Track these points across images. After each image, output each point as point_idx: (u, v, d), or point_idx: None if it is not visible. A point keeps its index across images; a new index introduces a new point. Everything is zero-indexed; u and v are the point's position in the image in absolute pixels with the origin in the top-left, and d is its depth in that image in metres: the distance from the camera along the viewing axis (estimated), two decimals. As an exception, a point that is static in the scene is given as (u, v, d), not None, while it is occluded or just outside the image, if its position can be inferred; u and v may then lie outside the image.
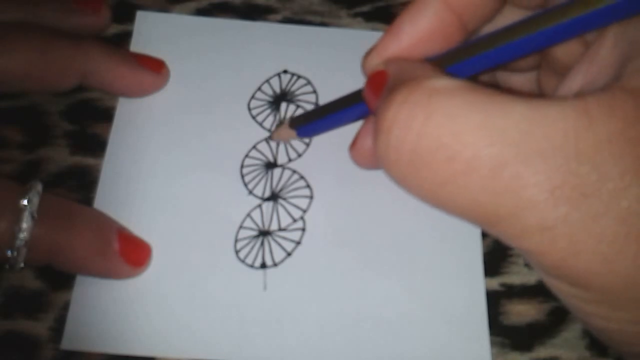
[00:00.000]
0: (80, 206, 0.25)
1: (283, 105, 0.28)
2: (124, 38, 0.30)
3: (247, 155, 0.27)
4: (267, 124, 0.28)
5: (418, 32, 0.19)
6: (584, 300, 0.16)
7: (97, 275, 0.24)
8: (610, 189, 0.14)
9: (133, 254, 0.24)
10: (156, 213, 0.26)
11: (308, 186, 0.27)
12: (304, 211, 0.26)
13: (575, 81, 0.18)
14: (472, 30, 0.20)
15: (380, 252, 0.26)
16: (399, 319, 0.24)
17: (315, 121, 0.25)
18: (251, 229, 0.26)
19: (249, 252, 0.25)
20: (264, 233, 0.26)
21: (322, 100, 0.28)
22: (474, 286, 0.25)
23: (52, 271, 0.24)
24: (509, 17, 0.20)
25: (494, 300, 0.25)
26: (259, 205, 0.26)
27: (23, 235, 0.21)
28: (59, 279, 0.24)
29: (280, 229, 0.26)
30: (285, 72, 0.29)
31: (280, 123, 0.28)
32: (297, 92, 0.29)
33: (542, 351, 0.24)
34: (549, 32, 0.17)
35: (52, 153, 0.27)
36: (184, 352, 0.23)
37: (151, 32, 0.30)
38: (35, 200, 0.22)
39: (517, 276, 0.26)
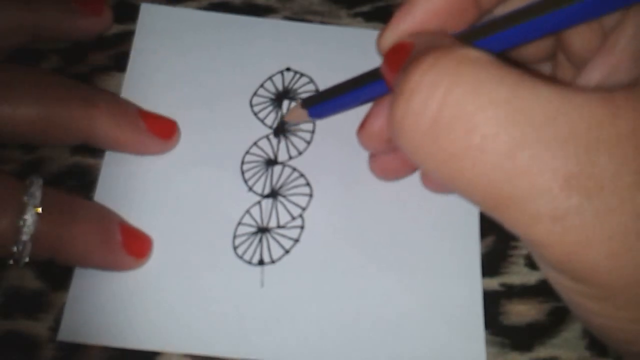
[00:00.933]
0: (82, 199, 0.24)
1: (285, 102, 0.28)
2: (125, 38, 0.29)
3: (247, 152, 0.27)
4: (269, 121, 0.28)
5: (432, 7, 0.19)
6: (586, 297, 0.15)
7: (100, 267, 0.24)
8: (626, 184, 0.14)
9: (135, 245, 0.24)
10: (156, 208, 0.25)
11: (308, 184, 0.26)
12: (303, 209, 0.26)
13: (594, 73, 0.18)
14: (487, 8, 0.20)
15: (378, 251, 0.25)
16: (396, 317, 0.24)
17: (328, 101, 0.24)
18: (250, 225, 0.25)
19: (247, 248, 0.25)
20: (262, 230, 0.25)
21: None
22: (471, 286, 0.25)
23: (52, 271, 0.24)
24: None
25: (494, 300, 0.25)
26: (259, 202, 0.26)
27: (28, 230, 0.21)
28: (59, 279, 0.24)
29: (279, 227, 0.26)
30: (288, 69, 0.29)
31: (281, 120, 0.28)
32: (300, 90, 0.28)
33: (542, 351, 0.24)
34: (570, 11, 0.16)
35: (52, 153, 0.26)
36: (180, 347, 0.23)
37: (155, 26, 0.29)
38: (38, 194, 0.22)
39: (517, 276, 0.25)
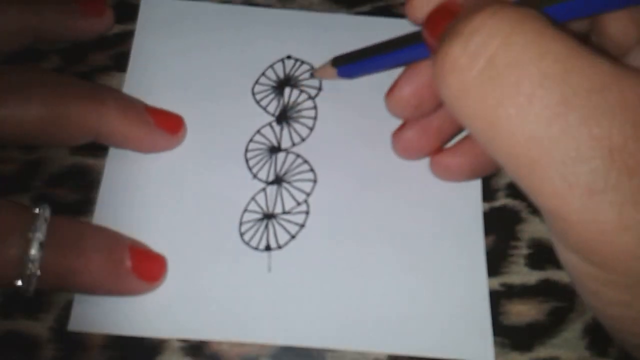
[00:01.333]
0: (89, 226, 0.23)
1: (287, 90, 0.27)
2: (125, 38, 0.28)
3: (251, 140, 0.26)
4: (271, 108, 0.27)
5: None
6: (606, 284, 0.15)
7: (112, 294, 0.23)
8: None
9: (147, 269, 0.23)
10: (161, 196, 0.25)
11: (312, 170, 0.26)
12: (308, 195, 0.25)
13: (635, 64, 0.18)
14: None
15: (382, 235, 0.25)
16: (402, 298, 0.24)
17: (359, 61, 0.23)
18: (255, 212, 0.25)
19: (254, 234, 0.25)
20: (268, 216, 0.25)
21: (325, 85, 0.27)
22: (476, 277, 0.24)
23: None
24: None
25: (494, 300, 0.24)
26: (264, 189, 0.25)
27: (32, 265, 0.20)
28: None
29: (284, 212, 0.25)
30: (289, 57, 0.28)
31: (284, 106, 0.27)
32: (301, 77, 0.28)
33: (542, 351, 0.23)
34: None
35: (52, 153, 0.25)
36: (189, 333, 0.23)
37: (156, 18, 0.28)
38: (43, 228, 0.21)
39: (517, 276, 0.25)
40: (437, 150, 0.24)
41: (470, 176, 0.25)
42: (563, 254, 0.16)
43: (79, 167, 0.26)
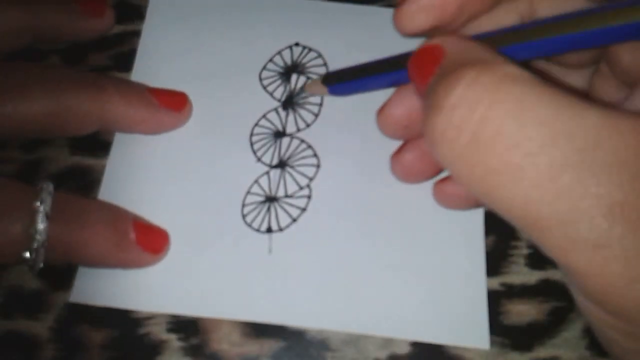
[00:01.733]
0: (92, 201, 0.23)
1: (293, 76, 0.27)
2: (125, 38, 0.28)
3: (257, 124, 0.26)
4: (278, 94, 0.27)
5: None
6: (624, 334, 0.14)
7: (117, 266, 0.23)
8: None
9: (150, 241, 0.23)
10: (166, 176, 0.25)
11: (315, 155, 0.26)
12: (311, 179, 0.25)
13: None
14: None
15: (382, 224, 0.24)
16: (399, 285, 0.23)
17: (350, 81, 0.23)
18: (258, 194, 0.25)
19: (256, 216, 0.24)
20: (270, 199, 0.25)
21: (332, 72, 0.28)
22: (474, 267, 0.24)
23: (52, 271, 0.23)
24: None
25: (494, 300, 0.23)
26: (267, 172, 0.25)
27: (40, 237, 0.20)
28: (59, 279, 0.23)
29: (286, 196, 0.25)
30: (296, 44, 0.28)
31: (290, 93, 0.27)
32: (308, 64, 0.27)
33: (542, 351, 0.23)
34: (621, 29, 0.15)
35: (52, 153, 0.25)
36: (189, 310, 0.23)
37: (165, 4, 0.28)
38: (48, 200, 0.21)
39: (517, 276, 0.24)
40: (441, 178, 0.24)
41: (475, 205, 0.24)
42: (580, 301, 0.15)
43: (79, 167, 0.25)
